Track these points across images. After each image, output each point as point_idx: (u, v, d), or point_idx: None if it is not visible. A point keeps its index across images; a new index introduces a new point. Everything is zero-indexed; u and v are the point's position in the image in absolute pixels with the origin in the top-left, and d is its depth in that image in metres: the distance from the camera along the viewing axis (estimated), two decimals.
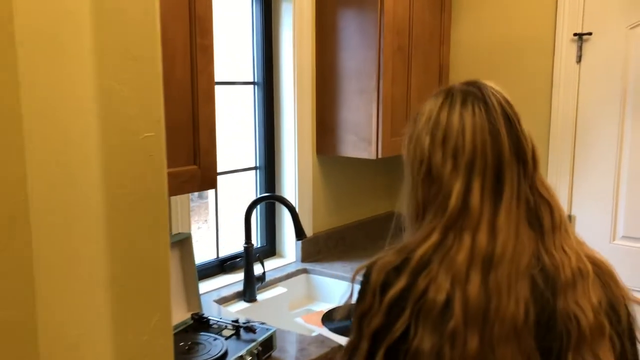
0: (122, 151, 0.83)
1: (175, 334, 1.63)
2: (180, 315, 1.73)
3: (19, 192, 0.71)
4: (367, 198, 2.90)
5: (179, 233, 1.86)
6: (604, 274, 0.94)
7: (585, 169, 2.48)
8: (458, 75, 2.75)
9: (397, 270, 0.91)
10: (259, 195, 2.44)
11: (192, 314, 1.72)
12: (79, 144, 0.78)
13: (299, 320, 1.93)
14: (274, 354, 1.66)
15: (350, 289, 1.03)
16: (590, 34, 2.39)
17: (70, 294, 0.80)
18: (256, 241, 2.53)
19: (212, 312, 1.94)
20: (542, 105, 2.54)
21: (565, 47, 2.45)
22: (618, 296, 0.93)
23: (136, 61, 0.84)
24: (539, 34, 2.53)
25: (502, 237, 0.88)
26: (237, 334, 1.63)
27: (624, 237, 2.43)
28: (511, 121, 0.98)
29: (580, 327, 0.85)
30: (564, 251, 0.92)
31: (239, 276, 2.22)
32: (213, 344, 1.55)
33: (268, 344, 1.63)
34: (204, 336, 1.60)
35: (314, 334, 1.84)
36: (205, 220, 5.40)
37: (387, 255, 0.95)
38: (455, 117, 0.94)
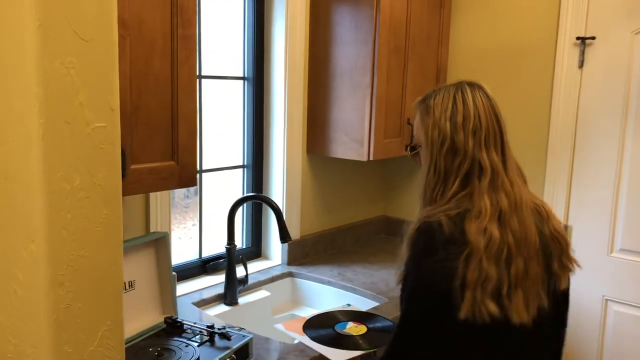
0: (68, 142, 0.75)
1: (145, 339, 1.55)
2: (153, 318, 1.65)
3: None
4: (359, 201, 2.82)
5: (155, 232, 1.77)
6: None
7: (584, 178, 2.40)
8: (456, 78, 2.66)
9: (457, 222, 1.16)
10: (245, 195, 2.35)
11: (165, 318, 1.63)
12: (17, 132, 0.70)
13: (280, 326, 1.85)
14: None
15: (412, 251, 1.20)
16: (593, 38, 2.31)
17: (5, 298, 0.72)
18: (241, 242, 2.44)
19: (189, 315, 1.86)
20: (542, 110, 2.46)
21: (567, 52, 2.37)
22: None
23: (88, 43, 0.76)
24: (541, 37, 2.44)
25: (516, 188, 1.23)
26: (211, 340, 1.54)
27: (622, 250, 2.34)
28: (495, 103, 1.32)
29: (560, 244, 1.25)
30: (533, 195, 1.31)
31: (221, 278, 2.14)
32: (184, 350, 1.47)
33: (244, 352, 1.54)
34: (176, 342, 1.52)
35: (295, 342, 1.76)
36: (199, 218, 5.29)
37: (437, 214, 1.18)
38: (470, 104, 1.26)
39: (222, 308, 2.06)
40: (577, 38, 2.33)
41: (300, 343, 1.72)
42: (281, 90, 2.32)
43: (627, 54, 2.25)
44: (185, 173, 1.60)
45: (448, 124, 1.24)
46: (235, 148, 2.40)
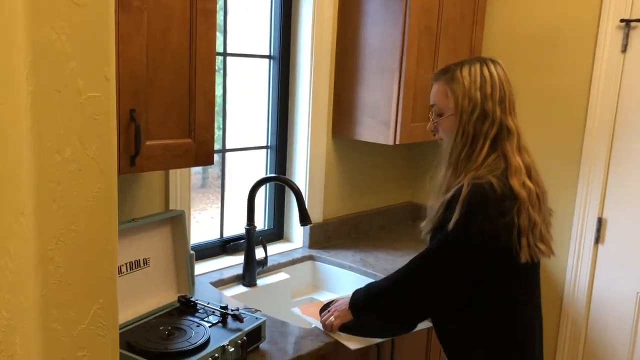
0: (59, 111, 0.72)
1: (158, 317, 1.54)
2: (166, 296, 1.64)
3: None
4: (385, 186, 2.76)
5: (171, 210, 1.76)
6: None
7: (622, 169, 2.28)
8: None
9: (503, 180, 1.35)
10: (265, 176, 2.32)
11: (179, 297, 1.62)
12: (5, 100, 0.67)
13: (296, 310, 1.82)
14: (262, 345, 1.55)
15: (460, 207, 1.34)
16: (639, 20, 2.17)
17: None
18: (263, 223, 2.42)
19: (207, 294, 1.84)
20: (579, 96, 2.34)
21: (610, 35, 2.24)
22: None
23: (81, 8, 0.72)
24: (582, 19, 2.32)
25: (528, 149, 1.46)
26: (223, 321, 1.52)
27: None
28: None
29: (545, 196, 1.46)
30: None
31: (242, 259, 2.12)
32: (195, 330, 1.45)
33: (256, 335, 1.52)
34: (188, 321, 1.50)
35: (312, 326, 1.73)
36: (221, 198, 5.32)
37: (486, 177, 1.35)
38: (495, 76, 1.43)
39: (240, 289, 2.04)
40: (621, 20, 2.20)
41: (316, 328, 1.69)
42: (307, 70, 2.27)
43: None
44: (202, 151, 1.57)
45: (478, 93, 1.40)
46: (259, 128, 2.36)
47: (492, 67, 1.44)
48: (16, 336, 0.70)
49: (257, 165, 2.39)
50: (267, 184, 2.33)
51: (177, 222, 1.67)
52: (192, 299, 1.61)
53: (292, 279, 2.19)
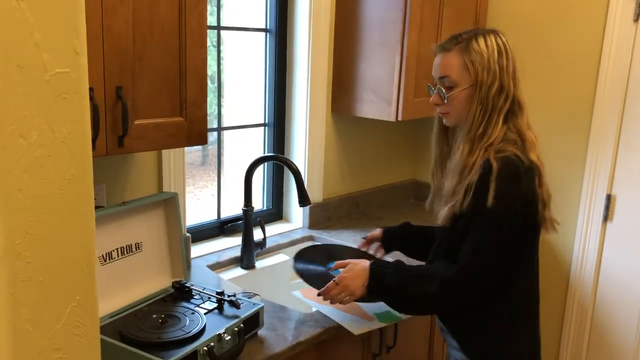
0: (22, 90, 0.64)
1: (151, 304, 1.48)
2: (160, 282, 1.58)
3: None
4: (386, 164, 2.68)
5: (164, 192, 1.68)
6: None
7: (633, 144, 2.19)
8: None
9: (525, 153, 1.34)
10: (262, 155, 2.24)
11: (173, 282, 1.55)
12: None
13: (297, 293, 1.76)
14: (260, 331, 1.50)
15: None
16: None
17: None
18: (262, 204, 2.35)
19: (204, 278, 1.78)
20: (589, 67, 2.25)
21: (622, 2, 2.13)
22: None
23: None
24: None
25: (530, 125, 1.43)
26: (220, 307, 1.46)
27: None
28: None
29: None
30: None
31: (240, 240, 2.06)
32: (190, 317, 1.39)
33: (253, 321, 1.46)
34: (182, 308, 1.44)
35: (313, 310, 1.67)
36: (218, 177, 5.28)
37: (509, 150, 1.33)
38: (508, 47, 1.40)
39: (239, 272, 1.99)
40: None
41: (318, 312, 1.63)
42: (305, 43, 2.18)
43: None
44: (195, 130, 1.49)
45: (497, 66, 1.36)
46: (256, 105, 2.28)
47: (503, 38, 1.40)
48: None
49: (256, 143, 2.32)
50: (265, 163, 2.25)
51: (171, 205, 1.60)
52: (187, 285, 1.54)
53: (291, 260, 2.13)
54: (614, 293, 2.29)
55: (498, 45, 1.38)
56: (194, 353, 1.26)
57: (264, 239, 2.04)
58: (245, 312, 1.44)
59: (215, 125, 2.17)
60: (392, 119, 2.14)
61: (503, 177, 1.28)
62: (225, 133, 2.16)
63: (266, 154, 2.25)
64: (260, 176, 2.33)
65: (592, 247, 2.30)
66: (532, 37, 2.36)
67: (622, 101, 2.18)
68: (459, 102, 1.40)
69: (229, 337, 1.36)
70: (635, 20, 2.12)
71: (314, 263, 1.71)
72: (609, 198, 2.26)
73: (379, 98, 2.16)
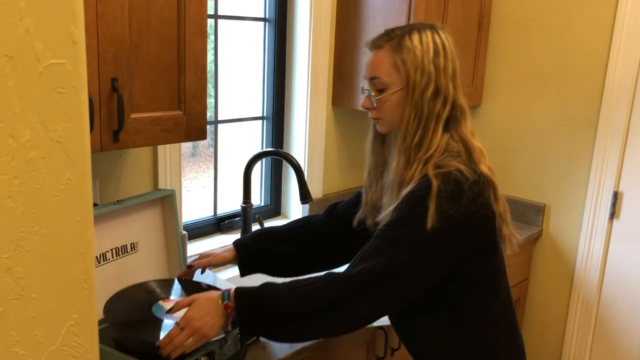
0: (12, 83, 0.56)
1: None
2: None
3: None
4: None
5: (161, 189, 1.61)
6: None
7: None
8: (501, 23, 2.39)
9: (472, 166, 1.17)
10: (262, 150, 2.17)
11: None
12: None
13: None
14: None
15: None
16: None
17: None
18: (259, 199, 2.28)
19: (200, 278, 1.71)
20: (597, 59, 2.18)
21: None
22: None
23: None
24: None
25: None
26: None
27: None
28: None
29: None
30: None
31: (237, 237, 1.98)
32: None
33: None
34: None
35: None
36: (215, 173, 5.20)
37: (451, 164, 1.15)
38: (447, 47, 1.22)
39: (237, 271, 1.91)
40: None
41: None
42: (305, 34, 2.10)
43: None
44: (193, 124, 1.41)
45: (432, 66, 1.19)
46: (254, 98, 2.20)
47: (442, 35, 1.23)
48: None
49: (251, 138, 2.24)
50: (262, 159, 2.18)
51: (167, 203, 1.52)
52: None
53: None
54: (620, 292, 2.25)
55: (435, 42, 1.21)
56: None
57: None
58: None
59: (211, 119, 2.09)
60: None
61: (442, 197, 1.11)
62: (220, 126, 2.08)
63: (266, 149, 2.18)
64: (257, 171, 2.25)
65: (598, 245, 2.26)
66: (536, 26, 2.30)
67: (630, 97, 2.12)
68: (390, 107, 1.23)
69: (230, 343, 1.29)
70: None
71: (139, 306, 1.31)
72: (615, 195, 2.21)
73: None
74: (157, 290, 1.37)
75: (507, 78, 2.42)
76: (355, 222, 1.38)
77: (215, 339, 1.19)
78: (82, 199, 0.64)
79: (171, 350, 1.12)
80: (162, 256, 1.55)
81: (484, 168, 1.18)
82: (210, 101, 2.10)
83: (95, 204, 1.53)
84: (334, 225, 1.49)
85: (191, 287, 1.41)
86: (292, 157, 1.83)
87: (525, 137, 2.39)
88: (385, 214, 1.21)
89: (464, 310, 1.24)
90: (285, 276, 1.49)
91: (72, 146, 0.62)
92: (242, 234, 1.92)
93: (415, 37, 1.21)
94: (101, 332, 1.25)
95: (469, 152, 1.20)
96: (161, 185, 1.73)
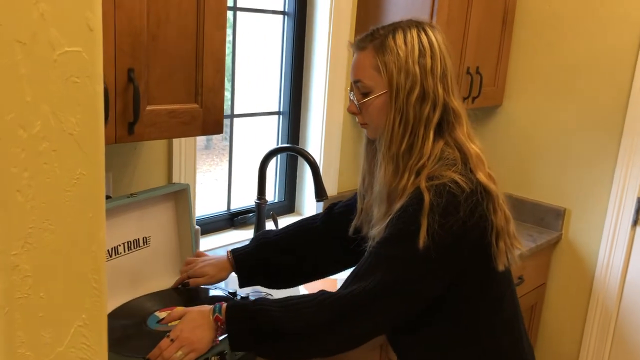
0: (24, 71, 0.53)
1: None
2: (169, 279, 1.48)
3: None
4: None
5: (175, 184, 1.58)
6: None
7: None
8: (526, 21, 2.34)
9: (468, 175, 1.10)
10: (278, 145, 2.14)
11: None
12: None
13: (304, 291, 1.66)
14: None
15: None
16: None
17: None
18: (273, 195, 2.25)
19: None
20: (625, 60, 2.12)
21: None
22: None
23: None
24: None
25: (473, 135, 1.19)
26: None
27: None
28: None
29: None
30: None
31: (251, 233, 1.96)
32: None
33: None
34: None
35: None
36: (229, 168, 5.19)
37: (446, 175, 1.09)
38: (435, 45, 1.14)
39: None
40: None
41: None
42: (325, 28, 2.06)
43: None
44: (210, 118, 1.38)
45: (417, 67, 1.13)
46: (271, 92, 2.16)
47: (430, 33, 1.15)
48: None
49: (267, 133, 2.21)
50: (278, 155, 2.15)
51: (181, 197, 1.49)
52: None
53: None
54: None
55: (421, 41, 1.13)
56: None
57: None
58: None
59: (227, 112, 2.06)
60: None
61: (434, 214, 1.05)
62: (235, 120, 2.05)
63: (282, 145, 2.14)
64: (272, 166, 2.23)
65: (619, 252, 2.20)
66: (562, 25, 2.24)
67: None
68: (374, 111, 1.17)
69: None
70: None
71: (130, 319, 1.30)
72: (639, 201, 2.15)
73: None
74: (154, 301, 1.35)
75: (530, 77, 2.36)
76: (351, 230, 1.32)
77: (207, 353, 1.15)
78: (94, 194, 0.61)
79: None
80: (174, 251, 1.52)
81: (481, 176, 1.11)
82: (226, 95, 2.07)
83: (108, 197, 1.51)
84: (332, 228, 1.44)
85: (188, 295, 1.40)
86: (309, 153, 1.80)
87: (547, 139, 2.33)
88: (377, 229, 1.15)
89: (461, 324, 1.18)
90: (285, 287, 1.47)
91: (86, 139, 0.59)
92: (256, 230, 1.89)
93: (400, 36, 1.14)
94: None
95: (465, 159, 1.13)
96: (175, 179, 1.71)
